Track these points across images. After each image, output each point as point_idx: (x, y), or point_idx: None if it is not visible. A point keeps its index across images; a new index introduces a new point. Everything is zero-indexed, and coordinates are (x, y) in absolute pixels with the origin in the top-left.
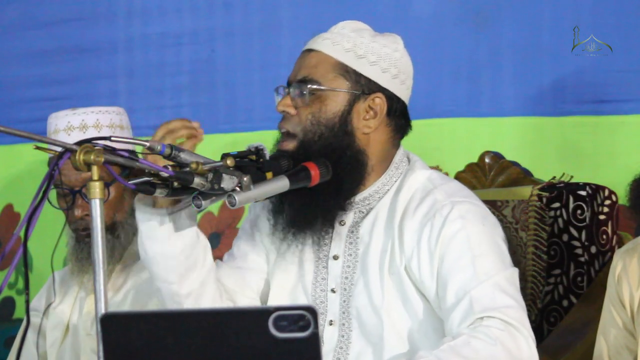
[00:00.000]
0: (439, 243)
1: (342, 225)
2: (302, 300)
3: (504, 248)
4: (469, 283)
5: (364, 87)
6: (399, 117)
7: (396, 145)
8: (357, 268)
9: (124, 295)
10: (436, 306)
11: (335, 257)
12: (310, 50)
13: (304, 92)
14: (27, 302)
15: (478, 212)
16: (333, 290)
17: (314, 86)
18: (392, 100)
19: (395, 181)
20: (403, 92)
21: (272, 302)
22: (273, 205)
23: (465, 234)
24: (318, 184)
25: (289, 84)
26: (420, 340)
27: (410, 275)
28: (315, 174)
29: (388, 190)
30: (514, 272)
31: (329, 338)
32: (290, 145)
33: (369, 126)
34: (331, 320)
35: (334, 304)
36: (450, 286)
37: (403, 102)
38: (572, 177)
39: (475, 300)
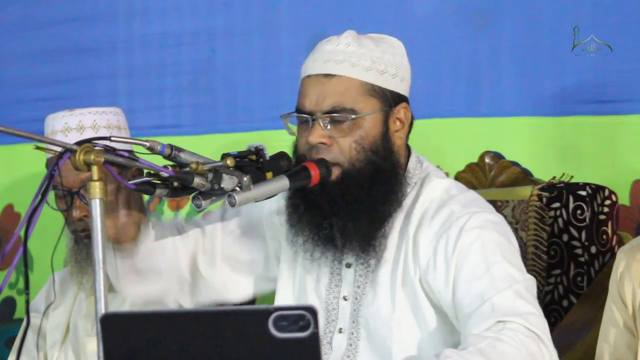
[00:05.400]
0: (456, 253)
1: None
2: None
3: (518, 258)
4: (489, 290)
5: (390, 100)
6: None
7: (408, 148)
8: (368, 277)
9: (124, 296)
10: (452, 315)
11: (348, 266)
12: (328, 76)
13: (340, 122)
14: (27, 302)
15: (494, 222)
16: (345, 298)
17: (351, 115)
18: (409, 104)
19: (410, 191)
20: (408, 92)
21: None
22: (299, 216)
23: (481, 242)
24: (372, 206)
25: (306, 112)
26: (429, 352)
27: (425, 286)
28: (315, 173)
29: (403, 200)
30: (532, 282)
31: (337, 346)
32: (334, 172)
33: (400, 137)
34: (341, 328)
35: (345, 311)
36: (469, 294)
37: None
38: (572, 177)
39: (497, 306)
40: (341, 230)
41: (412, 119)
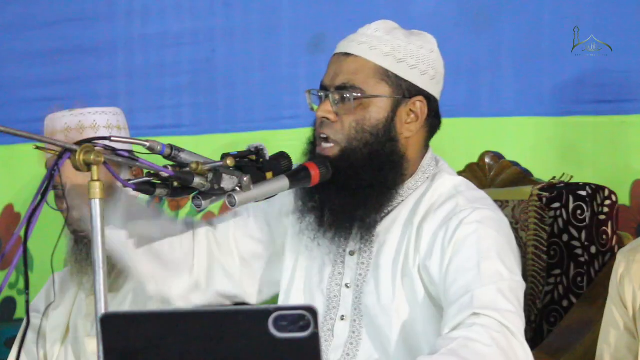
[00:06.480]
0: (452, 243)
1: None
2: (317, 294)
3: (513, 260)
4: (473, 283)
5: (405, 91)
6: (434, 117)
7: (427, 147)
8: (370, 266)
9: (123, 296)
10: (444, 305)
11: (352, 253)
12: (347, 55)
13: (347, 99)
14: (27, 302)
15: (494, 219)
16: (347, 286)
17: (357, 94)
18: (430, 101)
19: (421, 185)
20: (438, 91)
21: (292, 294)
22: (303, 204)
23: (477, 237)
24: (361, 188)
25: (324, 88)
26: (426, 341)
27: (423, 275)
28: (315, 174)
29: (412, 193)
30: (520, 284)
31: (339, 333)
32: (331, 151)
33: (410, 130)
34: (343, 316)
35: (347, 299)
36: (456, 284)
37: (438, 102)
38: (572, 177)
39: (477, 298)
40: (328, 206)
41: (439, 118)
